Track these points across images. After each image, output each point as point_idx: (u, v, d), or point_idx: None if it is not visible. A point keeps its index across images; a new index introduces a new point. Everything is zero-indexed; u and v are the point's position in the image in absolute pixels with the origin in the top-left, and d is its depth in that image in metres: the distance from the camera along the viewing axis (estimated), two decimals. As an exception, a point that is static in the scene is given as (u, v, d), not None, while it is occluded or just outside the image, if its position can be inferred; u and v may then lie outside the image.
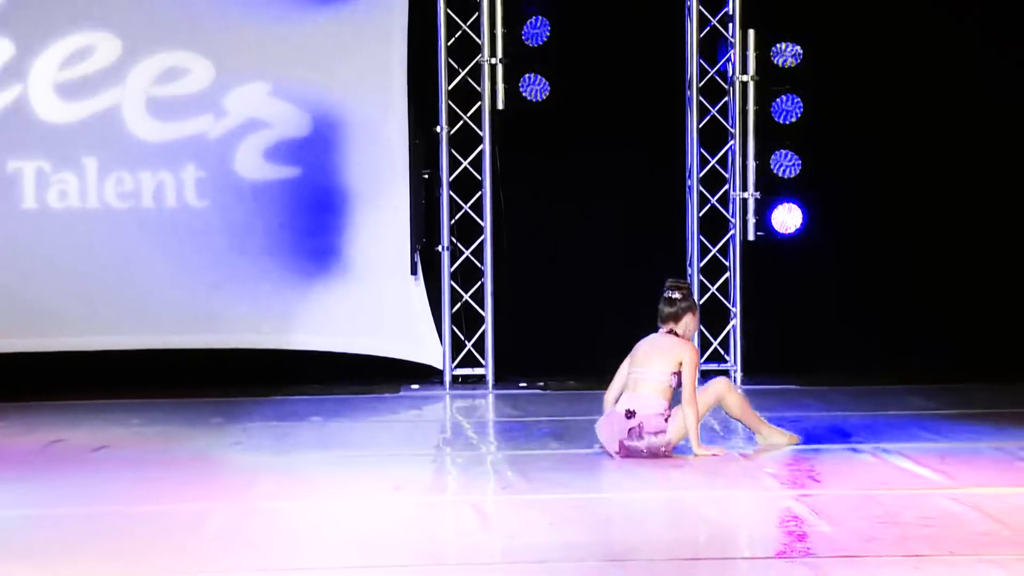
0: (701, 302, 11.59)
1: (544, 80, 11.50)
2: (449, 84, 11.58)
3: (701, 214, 11.62)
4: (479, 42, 11.54)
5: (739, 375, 11.48)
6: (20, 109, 11.38)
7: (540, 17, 11.52)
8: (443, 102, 11.57)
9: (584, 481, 7.61)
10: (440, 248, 11.56)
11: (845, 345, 11.53)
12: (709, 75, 11.67)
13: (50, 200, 11.46)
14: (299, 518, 6.92)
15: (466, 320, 11.62)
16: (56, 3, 11.39)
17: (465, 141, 11.62)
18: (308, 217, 11.60)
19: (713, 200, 11.65)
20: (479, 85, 11.55)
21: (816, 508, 6.75)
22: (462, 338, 11.60)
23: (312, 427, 9.66)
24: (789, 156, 11.46)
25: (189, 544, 6.37)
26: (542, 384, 11.38)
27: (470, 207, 11.64)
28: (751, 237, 11.48)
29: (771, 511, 6.95)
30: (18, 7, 11.34)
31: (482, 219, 11.59)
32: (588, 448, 8.51)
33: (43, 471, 8.10)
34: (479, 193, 11.61)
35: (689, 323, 8.34)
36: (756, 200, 11.49)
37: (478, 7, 11.54)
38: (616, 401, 8.30)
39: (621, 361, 11.50)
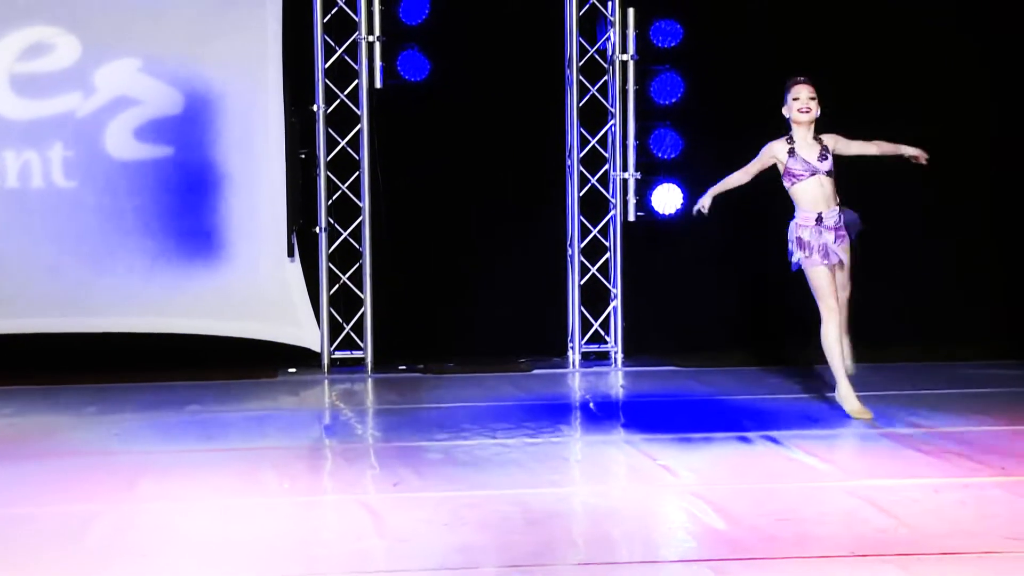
0: (582, 283, 11.52)
1: (424, 58, 11.31)
2: (326, 62, 11.32)
3: (581, 194, 11.52)
4: (356, 19, 11.30)
5: (620, 356, 11.41)
6: None
7: (418, -6, 11.32)
8: (320, 80, 11.32)
9: (476, 476, 7.46)
10: (317, 229, 11.33)
11: (724, 326, 11.52)
12: (589, 54, 11.55)
13: (-90, 180, 11.04)
14: (184, 522, 6.68)
15: (345, 303, 11.41)
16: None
17: (343, 120, 11.38)
18: (182, 197, 11.28)
19: (593, 180, 11.55)
20: (356, 63, 11.32)
21: (714, 504, 6.68)
22: (340, 321, 11.39)
23: (191, 417, 9.40)
24: (669, 136, 11.39)
25: (72, 552, 6.12)
26: (421, 367, 11.21)
27: (348, 187, 11.41)
28: (631, 218, 11.39)
29: (670, 508, 6.86)
30: None
31: (360, 200, 11.37)
32: (475, 439, 8.38)
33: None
34: (357, 173, 11.38)
35: None
36: (636, 180, 11.41)
37: (354, -17, 11.29)
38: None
39: (501, 342, 11.49)
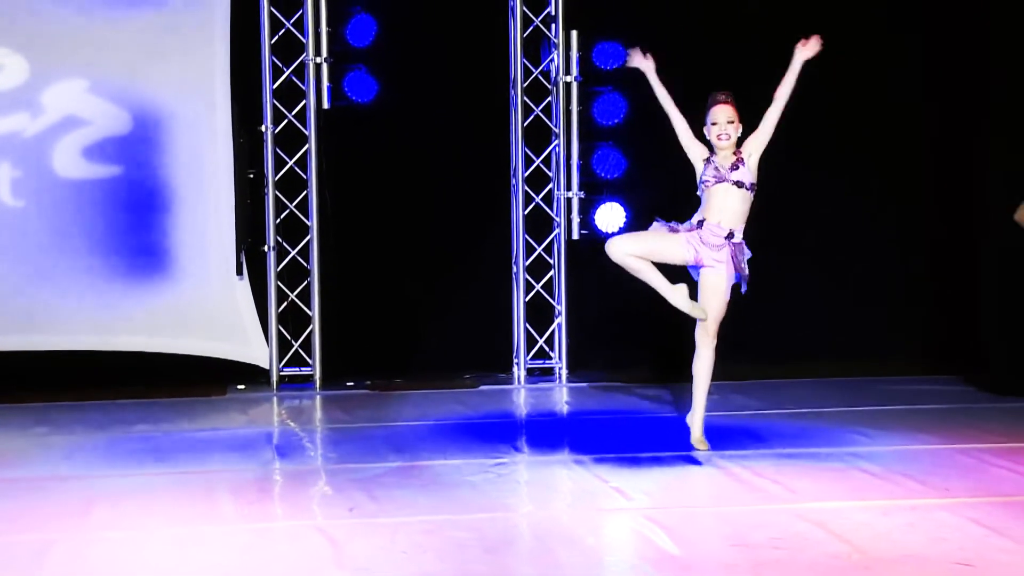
0: (527, 299, 11.39)
1: (371, 79, 11.15)
2: (274, 83, 11.15)
3: (526, 213, 11.40)
4: (304, 41, 11.12)
5: (564, 372, 11.30)
6: None
7: (365, 15, 11.15)
8: (268, 101, 11.14)
9: (430, 500, 7.30)
10: (266, 248, 11.15)
11: (664, 343, 11.41)
12: (533, 75, 11.44)
13: None
14: (140, 552, 6.46)
15: (293, 320, 11.22)
16: None
17: (291, 140, 11.22)
18: (131, 216, 11.06)
19: (538, 199, 11.44)
20: (304, 84, 11.14)
21: (667, 529, 6.55)
22: (289, 338, 11.20)
23: (142, 437, 9.18)
24: (613, 156, 11.29)
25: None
26: (369, 383, 11.05)
27: (296, 206, 11.24)
28: (575, 236, 11.29)
29: (625, 533, 6.72)
30: None
31: (308, 219, 11.20)
32: (426, 460, 8.23)
33: None
34: (305, 192, 11.22)
35: None
36: (580, 199, 11.30)
37: (302, 5, 11.12)
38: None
39: (447, 359, 11.33)
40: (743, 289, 8.34)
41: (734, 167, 8.20)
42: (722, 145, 8.22)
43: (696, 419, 8.36)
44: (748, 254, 8.30)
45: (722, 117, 8.21)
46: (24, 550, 6.41)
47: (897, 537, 6.36)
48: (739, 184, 8.18)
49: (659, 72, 11.26)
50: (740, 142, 8.28)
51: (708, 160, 8.28)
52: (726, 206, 8.17)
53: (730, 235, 8.18)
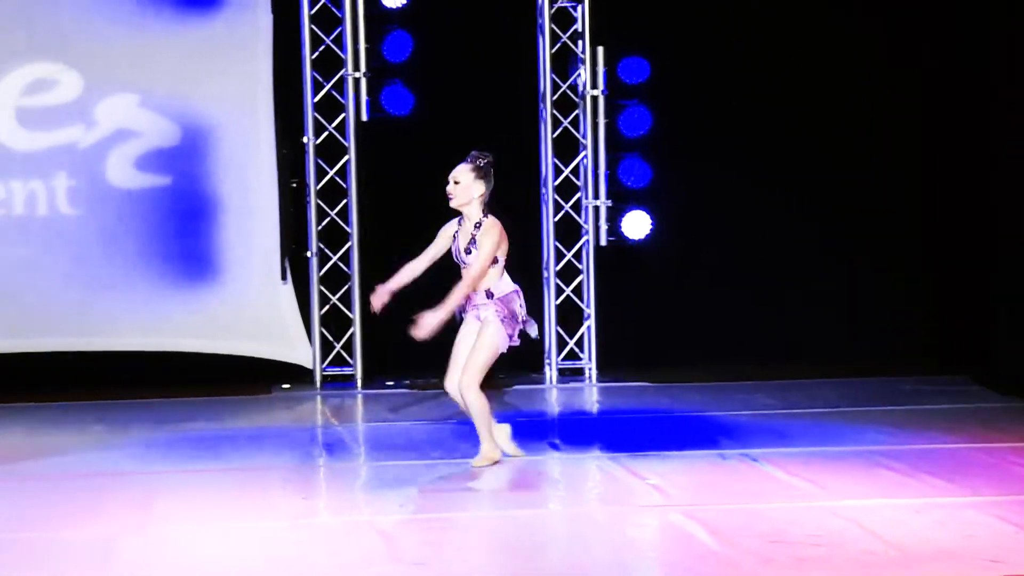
0: (557, 303, 11.33)
1: (408, 93, 11.08)
2: (315, 97, 11.09)
3: (556, 220, 11.33)
4: (343, 56, 11.06)
5: (595, 373, 11.23)
6: None
7: (402, 32, 11.09)
8: (309, 114, 11.08)
9: (475, 497, 7.22)
10: (309, 254, 11.09)
11: (692, 343, 11.34)
12: (561, 89, 11.37)
13: (-80, 208, 10.69)
14: (200, 545, 6.38)
15: (334, 322, 11.16)
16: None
17: (331, 151, 11.16)
18: (179, 224, 11.01)
19: (567, 207, 11.38)
20: (343, 98, 11.08)
21: (706, 525, 6.47)
22: (331, 339, 11.14)
23: (195, 434, 9.11)
24: (638, 166, 11.24)
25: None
26: (407, 383, 10.98)
27: (336, 214, 11.17)
28: (603, 242, 11.23)
29: (666, 528, 6.63)
30: None
31: (348, 226, 11.13)
32: (467, 457, 8.14)
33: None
34: (345, 201, 11.15)
35: None
36: (607, 208, 11.24)
37: (341, 22, 11.06)
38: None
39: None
40: (533, 334, 7.75)
41: (468, 251, 7.53)
42: (452, 205, 7.57)
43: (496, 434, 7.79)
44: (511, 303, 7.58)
45: (451, 177, 7.58)
46: (89, 545, 6.33)
47: (929, 534, 6.26)
48: None
49: (686, 87, 11.24)
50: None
51: (455, 237, 7.60)
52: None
53: (489, 294, 7.60)
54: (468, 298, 7.65)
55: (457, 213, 7.75)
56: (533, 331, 7.79)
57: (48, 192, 10.87)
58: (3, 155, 10.76)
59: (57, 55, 10.81)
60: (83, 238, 10.90)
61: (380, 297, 7.76)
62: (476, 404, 7.62)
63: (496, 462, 7.74)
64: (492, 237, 7.53)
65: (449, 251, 7.67)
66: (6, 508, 7.06)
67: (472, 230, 7.55)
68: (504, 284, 7.66)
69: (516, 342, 7.69)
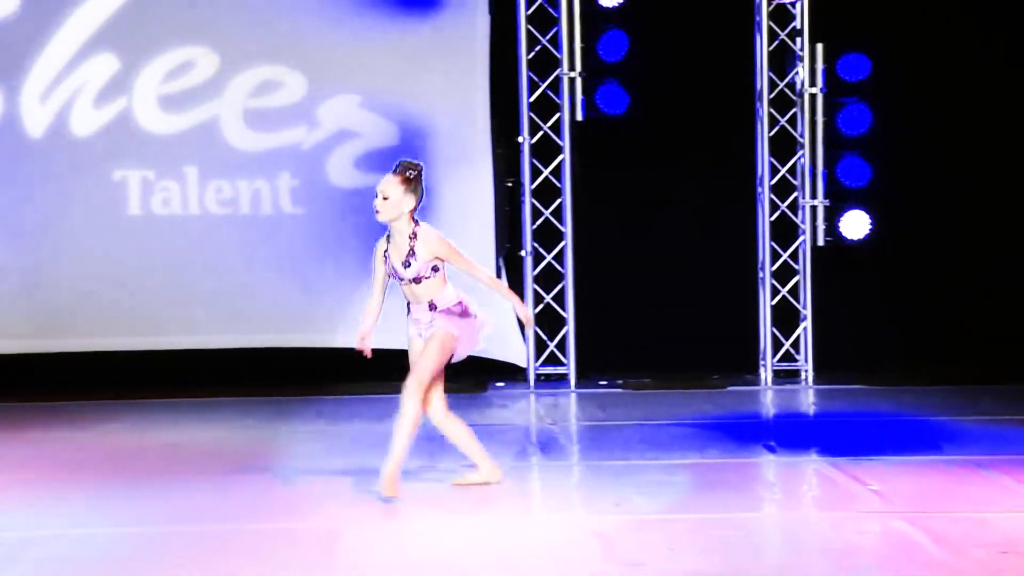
0: (773, 303, 11.11)
1: (623, 92, 10.98)
2: (530, 96, 11.07)
3: (771, 220, 11.11)
4: (558, 56, 11.02)
5: (811, 375, 10.98)
6: (126, 121, 10.91)
7: (618, 31, 11.00)
8: (524, 114, 11.07)
9: (692, 498, 7.09)
10: (523, 253, 11.08)
11: (913, 346, 10.99)
12: (779, 88, 11.13)
13: (154, 207, 11.00)
14: (419, 540, 6.41)
15: (548, 321, 11.13)
16: (158, 20, 10.90)
17: (546, 151, 11.13)
18: (396, 222, 11.07)
19: (783, 207, 11.14)
20: (558, 97, 11.04)
21: (931, 533, 6.21)
22: (544, 338, 11.11)
23: (422, 431, 9.13)
24: (857, 165, 10.93)
25: (323, 572, 5.89)
26: (621, 382, 10.89)
27: (551, 213, 11.14)
28: (820, 242, 10.96)
29: (888, 535, 6.39)
30: (123, 24, 10.85)
31: (563, 225, 11.09)
32: (684, 458, 8.01)
33: (161, 481, 7.63)
34: (559, 200, 11.11)
35: None
36: (825, 207, 10.97)
37: (557, 23, 11.02)
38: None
39: (694, 360, 11.09)
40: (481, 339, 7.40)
41: (407, 264, 7.09)
42: (379, 219, 7.11)
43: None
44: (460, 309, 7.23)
45: (379, 189, 7.12)
46: (314, 537, 6.40)
47: None
48: (416, 281, 7.11)
49: (908, 85, 10.89)
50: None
51: (386, 255, 7.16)
52: (413, 295, 7.18)
53: (432, 306, 7.20)
54: (409, 309, 7.24)
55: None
56: (482, 334, 7.37)
57: (272, 191, 11.08)
58: (231, 155, 11.01)
59: (282, 58, 10.99)
60: (306, 235, 11.06)
61: (364, 343, 7.33)
62: (408, 413, 7.11)
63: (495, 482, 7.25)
64: (442, 245, 7.05)
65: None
66: (237, 501, 7.19)
67: (408, 242, 7.05)
68: (448, 294, 7.20)
69: (477, 344, 7.25)
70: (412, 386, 7.18)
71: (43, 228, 10.87)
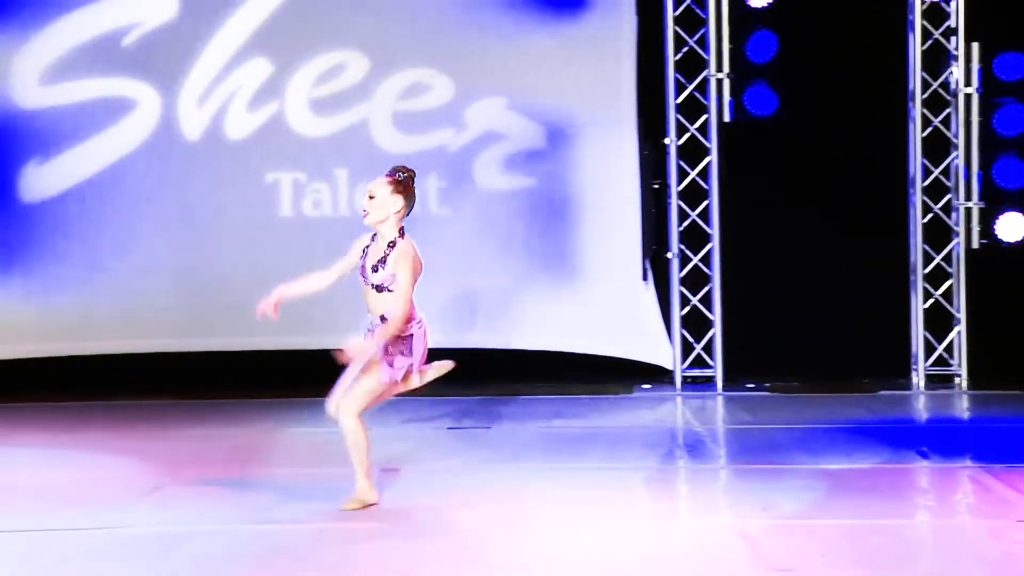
0: (925, 307, 10.87)
1: (771, 93, 10.84)
2: (677, 98, 10.98)
3: (924, 222, 10.87)
4: (705, 57, 10.92)
5: (965, 379, 10.71)
6: (278, 124, 11.08)
7: (766, 32, 10.85)
8: (671, 115, 10.98)
9: (842, 504, 6.94)
10: (670, 255, 11.00)
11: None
12: (932, 88, 10.88)
13: (305, 209, 11.14)
14: (566, 541, 6.37)
15: (695, 323, 11.03)
16: (310, 25, 11.04)
17: (692, 152, 11.03)
18: (542, 225, 11.09)
19: (936, 209, 10.89)
20: (705, 99, 10.93)
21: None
22: (691, 341, 11.01)
23: (559, 432, 9.15)
24: (1014, 166, 10.65)
25: (473, 568, 5.89)
26: (768, 385, 10.74)
27: (697, 215, 11.04)
28: (975, 245, 10.70)
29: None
30: (276, 29, 11.02)
31: (709, 227, 10.98)
32: (834, 463, 7.86)
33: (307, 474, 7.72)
34: (706, 202, 11.01)
35: None
36: (980, 209, 10.70)
37: (704, 23, 10.91)
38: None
39: (843, 363, 10.90)
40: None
41: (376, 269, 6.80)
42: (366, 221, 6.86)
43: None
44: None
45: (367, 192, 6.89)
46: (460, 536, 6.41)
47: None
48: (379, 289, 6.79)
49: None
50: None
51: (365, 252, 6.87)
52: (371, 304, 6.85)
53: (384, 319, 6.82)
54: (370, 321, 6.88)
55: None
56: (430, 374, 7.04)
57: (420, 193, 11.08)
58: (380, 157, 11.04)
59: (430, 61, 11.06)
60: (454, 237, 11.07)
61: (269, 301, 6.90)
62: (350, 434, 6.80)
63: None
64: (407, 263, 6.77)
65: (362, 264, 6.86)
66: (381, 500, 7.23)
67: (385, 249, 6.80)
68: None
69: (398, 375, 6.82)
70: (349, 408, 6.83)
71: (199, 229, 11.08)
